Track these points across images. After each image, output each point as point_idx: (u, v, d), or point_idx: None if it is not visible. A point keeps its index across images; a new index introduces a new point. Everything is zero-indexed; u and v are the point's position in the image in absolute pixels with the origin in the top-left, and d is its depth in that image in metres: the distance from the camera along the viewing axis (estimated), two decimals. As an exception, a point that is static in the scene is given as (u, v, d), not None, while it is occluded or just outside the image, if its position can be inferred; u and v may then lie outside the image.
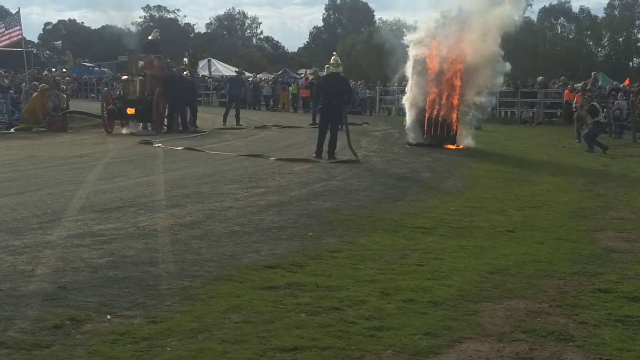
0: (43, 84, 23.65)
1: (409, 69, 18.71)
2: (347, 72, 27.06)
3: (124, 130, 20.85)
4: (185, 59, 26.07)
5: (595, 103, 20.32)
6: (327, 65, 16.32)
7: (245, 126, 23.95)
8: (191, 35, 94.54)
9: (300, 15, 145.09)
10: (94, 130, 21.79)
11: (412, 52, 18.57)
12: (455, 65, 18.17)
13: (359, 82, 36.69)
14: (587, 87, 24.41)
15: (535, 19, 70.28)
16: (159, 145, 16.88)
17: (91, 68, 59.66)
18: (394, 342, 4.70)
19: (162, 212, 8.68)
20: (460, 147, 18.24)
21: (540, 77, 31.40)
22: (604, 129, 20.32)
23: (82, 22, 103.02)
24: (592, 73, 31.31)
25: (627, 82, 29.30)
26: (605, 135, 21.83)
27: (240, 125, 24.05)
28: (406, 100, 19.18)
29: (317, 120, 25.16)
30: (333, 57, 15.85)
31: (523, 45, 57.50)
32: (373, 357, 4.48)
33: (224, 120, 24.43)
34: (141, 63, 20.89)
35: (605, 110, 22.80)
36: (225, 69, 53.22)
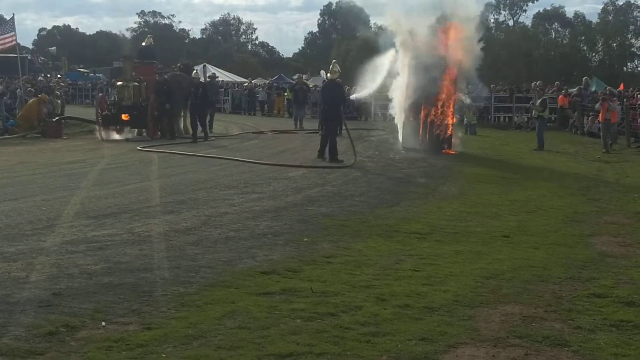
0: (43, 94, 23.62)
1: (400, 72, 18.65)
2: (342, 77, 26.98)
3: (117, 136, 20.81)
4: (175, 68, 25.84)
5: (546, 98, 21.82)
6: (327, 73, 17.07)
7: (224, 133, 23.66)
8: (186, 41, 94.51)
9: (295, 20, 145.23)
10: (88, 136, 21.75)
11: (407, 56, 18.52)
12: (450, 70, 18.21)
13: (353, 87, 36.59)
14: (608, 93, 24.32)
15: (530, 24, 70.71)
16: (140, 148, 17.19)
17: (86, 74, 59.56)
18: (389, 347, 4.70)
19: (157, 218, 8.67)
20: (454, 152, 18.24)
21: (538, 82, 31.42)
22: (546, 124, 21.65)
23: (77, 28, 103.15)
24: (584, 78, 31.37)
25: (621, 86, 29.36)
26: (599, 140, 21.91)
27: (212, 132, 23.67)
28: (400, 105, 19.14)
29: (298, 124, 25.29)
30: (332, 65, 16.68)
31: (517, 50, 57.77)
32: (369, 363, 4.48)
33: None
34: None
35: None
36: (220, 75, 53.07)
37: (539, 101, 21.79)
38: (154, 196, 10.30)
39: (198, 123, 20.54)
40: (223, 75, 53.00)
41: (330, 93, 16.28)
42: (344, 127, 17.59)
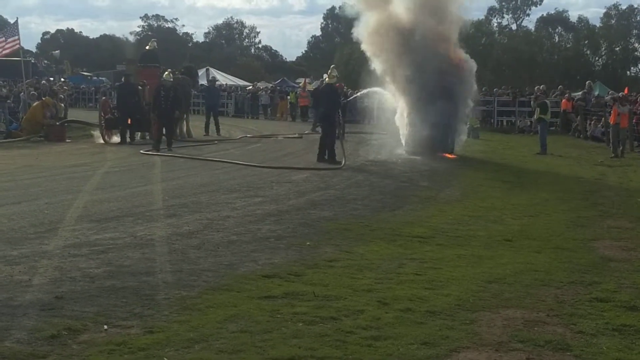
0: (47, 97, 23.67)
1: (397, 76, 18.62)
2: (346, 81, 26.94)
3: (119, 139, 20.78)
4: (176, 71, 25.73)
5: (547, 101, 21.91)
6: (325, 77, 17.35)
7: (229, 135, 23.67)
8: (189, 45, 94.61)
9: (298, 24, 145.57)
10: (91, 139, 21.75)
11: (408, 58, 18.48)
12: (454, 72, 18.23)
13: (355, 91, 36.57)
14: (621, 95, 24.21)
15: (533, 28, 70.68)
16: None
17: (89, 77, 59.62)
18: (391, 351, 4.70)
19: (160, 222, 8.68)
20: (454, 156, 18.20)
21: (541, 86, 31.35)
22: (549, 128, 22.10)
23: (81, 32, 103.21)
24: (587, 82, 31.31)
25: (626, 90, 29.30)
26: (602, 144, 21.92)
27: (220, 135, 23.69)
28: (402, 109, 19.10)
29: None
30: (330, 70, 17.08)
31: (520, 54, 57.74)
32: (370, 367, 4.48)
33: (206, 130, 24.23)
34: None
35: (602, 118, 23.03)
36: (223, 78, 53.23)
37: (539, 102, 21.83)
38: (156, 200, 10.32)
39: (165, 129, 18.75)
40: (226, 79, 53.07)
41: (327, 97, 16.58)
42: (342, 131, 17.65)
